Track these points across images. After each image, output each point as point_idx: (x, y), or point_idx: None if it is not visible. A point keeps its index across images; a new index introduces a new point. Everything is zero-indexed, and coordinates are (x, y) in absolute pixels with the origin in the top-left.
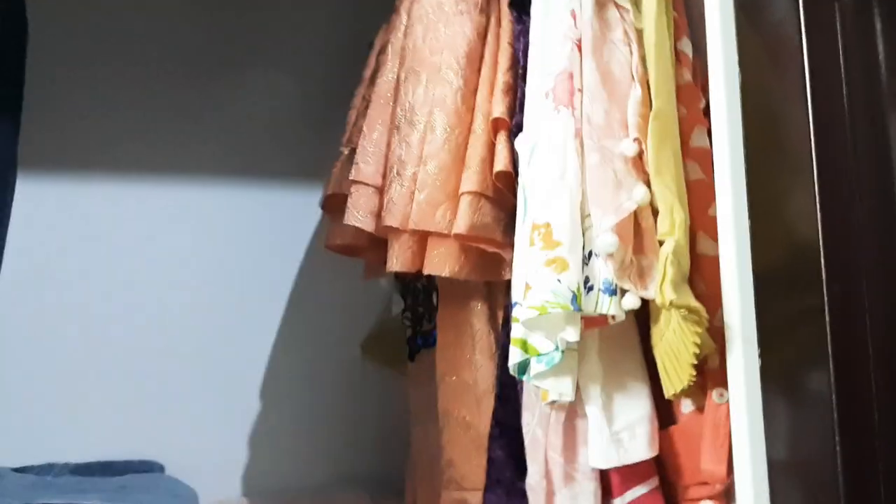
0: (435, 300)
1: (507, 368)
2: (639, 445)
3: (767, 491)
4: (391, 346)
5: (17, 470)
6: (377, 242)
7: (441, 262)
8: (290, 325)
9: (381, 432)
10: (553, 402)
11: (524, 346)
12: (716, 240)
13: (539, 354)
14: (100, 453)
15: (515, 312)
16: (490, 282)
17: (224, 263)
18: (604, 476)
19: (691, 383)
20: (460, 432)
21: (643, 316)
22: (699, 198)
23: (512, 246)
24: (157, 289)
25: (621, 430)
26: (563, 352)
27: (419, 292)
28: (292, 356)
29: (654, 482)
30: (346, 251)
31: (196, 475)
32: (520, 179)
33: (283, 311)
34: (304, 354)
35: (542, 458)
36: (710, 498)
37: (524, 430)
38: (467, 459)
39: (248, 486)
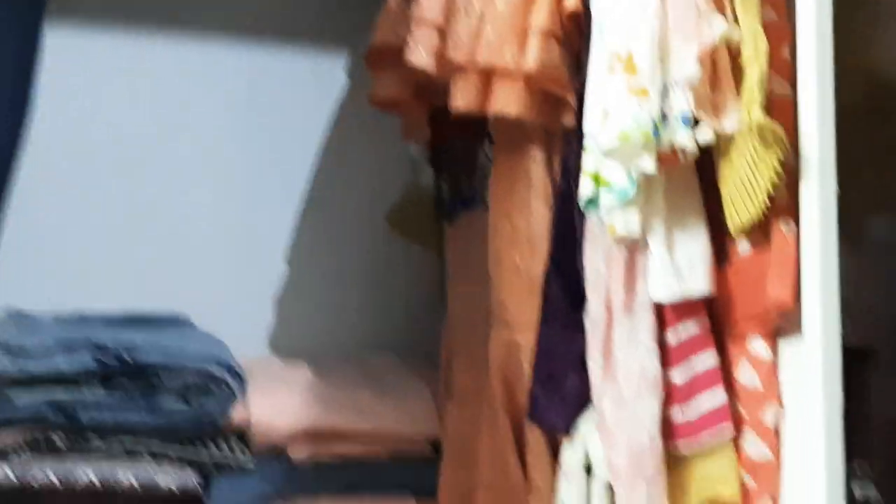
0: (480, 159)
1: (564, 212)
2: (698, 280)
3: (838, 324)
4: (418, 219)
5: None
6: (422, 95)
7: (507, 102)
8: (319, 188)
9: (410, 299)
10: (618, 238)
11: (596, 178)
12: (787, 80)
13: (611, 187)
14: (128, 307)
15: (590, 142)
16: (547, 129)
17: (254, 125)
18: (658, 311)
19: (761, 216)
20: (513, 276)
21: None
22: (773, 39)
23: (576, 91)
24: (186, 146)
25: (682, 265)
26: (636, 185)
27: (458, 153)
28: (321, 219)
29: (705, 321)
30: (390, 106)
31: (224, 333)
32: (594, 8)
33: (311, 174)
34: (333, 218)
35: (603, 291)
36: (759, 334)
37: (586, 265)
38: (519, 302)
39: (276, 346)
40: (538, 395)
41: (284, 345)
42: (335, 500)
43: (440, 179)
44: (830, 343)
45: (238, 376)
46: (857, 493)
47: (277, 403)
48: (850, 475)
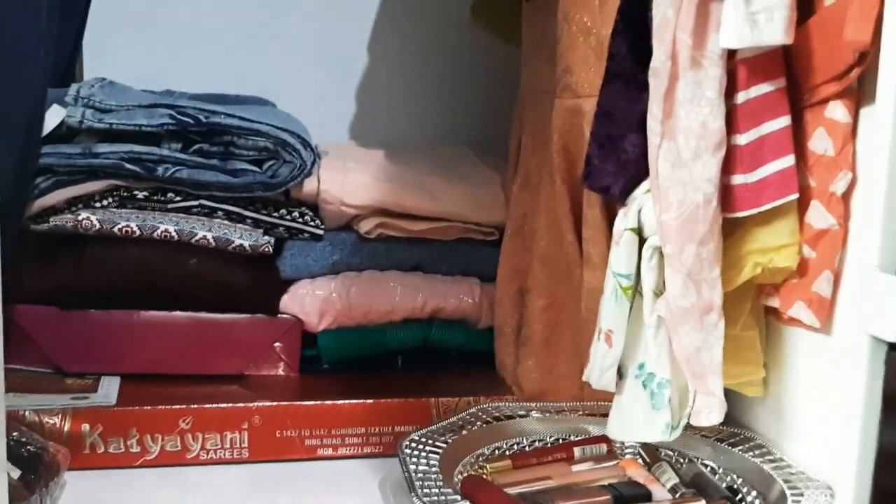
0: None
1: None
2: (775, 29)
3: None
4: (502, 9)
5: None
6: None
7: None
8: None
9: (491, 95)
10: None
11: None
12: None
13: None
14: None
15: None
16: None
17: None
18: (730, 74)
19: None
20: (580, 38)
21: None
22: None
23: None
24: None
25: (758, 12)
26: None
27: None
28: (406, 11)
29: (781, 83)
30: None
31: (304, 119)
32: None
33: None
34: (418, 10)
35: (669, 40)
36: (839, 97)
37: (654, 12)
38: (585, 66)
39: (353, 135)
40: (594, 156)
41: (362, 131)
42: (404, 274)
43: None
44: None
45: (311, 149)
46: None
47: (348, 179)
48: None
